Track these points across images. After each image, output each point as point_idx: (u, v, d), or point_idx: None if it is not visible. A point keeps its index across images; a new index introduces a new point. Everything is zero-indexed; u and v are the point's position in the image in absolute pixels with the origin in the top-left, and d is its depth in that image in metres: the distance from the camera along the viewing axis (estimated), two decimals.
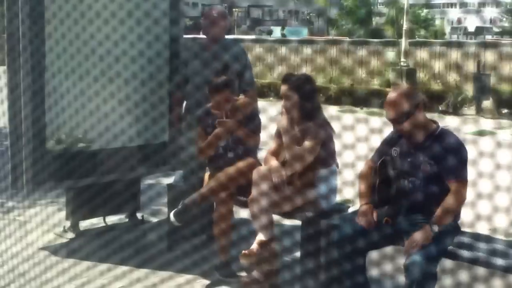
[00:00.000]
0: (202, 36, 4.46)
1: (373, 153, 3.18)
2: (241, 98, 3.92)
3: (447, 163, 2.81)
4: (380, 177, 3.00)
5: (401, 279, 3.28)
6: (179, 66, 4.31)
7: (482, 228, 3.90)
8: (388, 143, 3.08)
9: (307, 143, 3.38)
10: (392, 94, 2.95)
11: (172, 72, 4.31)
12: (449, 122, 9.50)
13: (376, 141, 3.25)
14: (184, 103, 4.39)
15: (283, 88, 3.45)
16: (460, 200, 2.84)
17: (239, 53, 4.33)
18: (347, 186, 4.23)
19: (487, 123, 10.08)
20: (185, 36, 4.69)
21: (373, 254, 3.27)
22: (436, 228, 2.75)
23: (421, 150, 2.90)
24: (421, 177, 2.89)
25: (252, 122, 3.77)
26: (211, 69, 3.97)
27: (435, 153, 2.85)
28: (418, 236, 2.75)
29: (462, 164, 2.84)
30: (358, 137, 3.81)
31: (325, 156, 3.42)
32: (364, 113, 10.98)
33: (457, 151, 2.84)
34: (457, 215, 2.94)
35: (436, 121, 3.01)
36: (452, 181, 2.82)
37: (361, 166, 3.25)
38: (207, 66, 3.99)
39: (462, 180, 2.83)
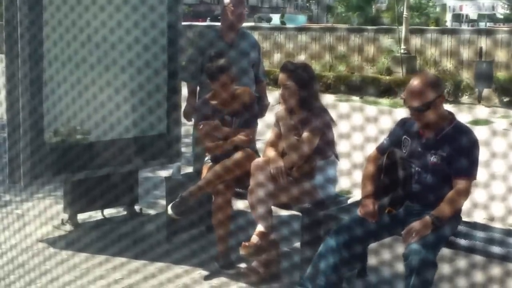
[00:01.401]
0: (200, 23, 4.44)
1: (381, 141, 3.12)
2: (241, 88, 3.89)
3: (458, 159, 2.77)
4: (386, 167, 2.94)
5: (401, 268, 3.30)
6: (192, 57, 4.29)
7: (479, 217, 3.91)
8: (399, 131, 3.04)
9: (305, 135, 3.36)
10: (416, 81, 2.83)
11: (170, 63, 4.29)
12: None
13: (373, 131, 3.22)
14: (197, 95, 4.36)
15: (281, 76, 3.42)
16: (465, 198, 2.81)
17: (253, 45, 4.33)
18: (345, 176, 4.22)
19: (487, 112, 10.03)
20: (183, 23, 4.66)
21: (374, 244, 3.26)
22: (436, 221, 2.72)
23: (434, 142, 2.86)
24: (430, 169, 2.86)
25: (251, 114, 3.75)
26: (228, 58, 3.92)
27: (447, 147, 2.81)
28: (417, 225, 2.71)
29: (472, 162, 2.80)
30: (354, 126, 3.80)
31: (324, 147, 3.40)
32: (363, 102, 10.95)
33: (470, 148, 2.79)
34: (459, 209, 2.91)
35: (452, 113, 2.94)
36: (459, 178, 2.78)
37: (357, 156, 3.22)
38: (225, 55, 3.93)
39: (470, 178, 2.80)
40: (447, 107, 3.00)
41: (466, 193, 2.79)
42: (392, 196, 2.91)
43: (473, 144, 2.81)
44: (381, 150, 3.08)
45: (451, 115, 2.91)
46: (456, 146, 2.78)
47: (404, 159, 2.92)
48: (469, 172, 2.79)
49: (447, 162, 2.81)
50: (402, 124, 3.04)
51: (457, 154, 2.77)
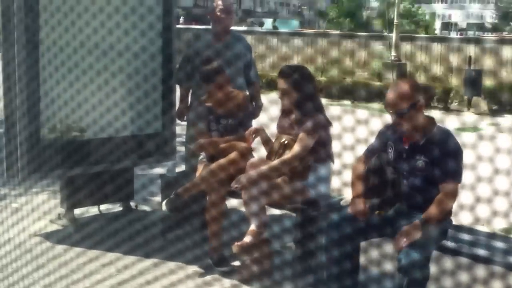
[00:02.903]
0: (194, 26, 4.49)
1: (367, 147, 3.18)
2: (235, 90, 3.95)
3: (441, 164, 2.80)
4: (374, 170, 3.01)
5: (389, 267, 3.37)
6: (185, 59, 4.35)
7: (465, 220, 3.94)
8: (383, 136, 3.09)
9: (300, 135, 3.41)
10: (394, 87, 2.91)
11: (165, 62, 4.33)
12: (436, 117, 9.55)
13: (364, 133, 3.28)
14: (190, 97, 4.41)
15: (279, 80, 3.48)
16: (452, 201, 2.84)
17: (245, 47, 4.38)
18: (339, 178, 4.28)
19: (477, 120, 10.14)
20: (178, 26, 4.71)
21: (366, 245, 3.32)
22: (425, 224, 2.75)
23: (417, 147, 2.90)
24: (414, 174, 2.90)
25: (245, 116, 3.82)
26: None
27: (430, 152, 2.85)
28: (407, 230, 2.75)
29: (456, 166, 2.82)
30: (347, 129, 3.86)
31: (318, 148, 3.44)
32: (353, 107, 11.02)
33: (452, 152, 2.82)
34: (448, 212, 2.94)
35: (433, 117, 2.99)
36: (445, 182, 2.81)
37: (350, 158, 3.28)
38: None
39: (455, 182, 2.82)
40: (437, 113, 3.07)
41: (452, 196, 2.83)
42: (381, 198, 2.97)
43: (456, 148, 2.83)
44: (368, 154, 3.14)
45: (432, 120, 2.95)
46: (439, 151, 2.81)
47: (391, 164, 2.98)
48: (454, 176, 2.81)
49: (431, 167, 2.84)
50: (387, 129, 3.09)
51: (441, 159, 2.80)
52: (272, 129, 3.71)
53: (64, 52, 3.91)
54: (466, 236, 3.04)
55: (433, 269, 3.27)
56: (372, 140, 3.21)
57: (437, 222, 2.82)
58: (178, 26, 16.73)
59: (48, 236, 4.05)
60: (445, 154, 2.80)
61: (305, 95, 3.43)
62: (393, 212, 2.99)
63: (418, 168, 2.88)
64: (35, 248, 3.84)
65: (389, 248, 3.30)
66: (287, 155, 3.42)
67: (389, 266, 3.41)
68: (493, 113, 10.66)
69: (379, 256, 3.44)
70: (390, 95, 2.88)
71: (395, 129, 2.98)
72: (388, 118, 3.02)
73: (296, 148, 3.40)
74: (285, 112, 3.55)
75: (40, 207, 4.51)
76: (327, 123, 3.48)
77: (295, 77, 3.43)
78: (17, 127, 3.74)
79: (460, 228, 3.18)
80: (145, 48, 4.26)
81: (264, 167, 3.42)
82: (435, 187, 2.84)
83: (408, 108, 2.82)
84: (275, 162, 3.42)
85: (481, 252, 2.86)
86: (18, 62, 3.67)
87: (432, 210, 2.79)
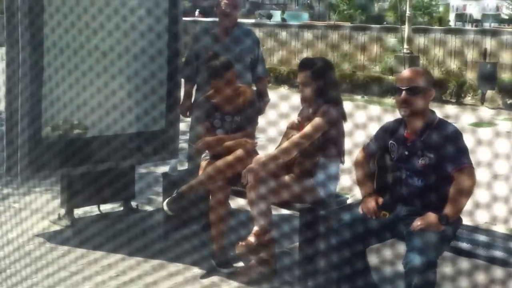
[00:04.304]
0: (201, 18, 4.41)
1: (368, 141, 3.11)
2: (241, 86, 3.85)
3: (448, 154, 2.75)
4: (378, 169, 2.97)
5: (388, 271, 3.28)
6: (191, 54, 4.28)
7: (481, 218, 3.86)
8: (385, 136, 3.02)
9: (314, 120, 3.30)
10: (409, 68, 2.94)
11: (170, 60, 4.27)
12: (450, 111, 9.42)
13: (375, 129, 3.18)
14: (194, 94, 4.33)
15: (298, 72, 3.39)
16: (472, 184, 2.74)
17: (253, 41, 4.31)
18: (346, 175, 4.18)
19: (490, 113, 9.96)
20: (184, 18, 4.64)
21: (374, 245, 3.22)
22: (444, 220, 2.68)
23: (420, 142, 2.84)
24: (419, 172, 2.83)
25: (251, 113, 3.72)
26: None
27: (433, 146, 2.79)
28: (425, 219, 2.70)
29: (463, 151, 2.77)
30: (357, 125, 3.75)
31: (328, 144, 3.34)
32: (364, 102, 10.89)
33: (456, 140, 2.78)
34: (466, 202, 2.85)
35: (434, 111, 2.95)
36: (456, 171, 2.73)
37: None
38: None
39: (467, 167, 2.74)
40: (450, 107, 2.99)
41: (472, 176, 2.74)
42: (384, 200, 2.93)
43: (457, 135, 2.80)
44: (368, 152, 3.08)
45: (433, 114, 2.91)
46: (442, 144, 2.77)
47: (393, 164, 2.92)
48: (462, 161, 2.74)
49: (436, 162, 2.78)
50: (387, 128, 3.03)
51: (445, 151, 2.75)
52: (282, 126, 3.63)
53: (67, 53, 3.87)
54: (481, 237, 2.95)
55: (447, 269, 3.19)
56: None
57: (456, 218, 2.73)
58: (194, 18, 17.08)
59: (47, 237, 4.01)
60: (449, 145, 2.75)
61: (324, 88, 3.33)
62: (395, 214, 2.90)
63: (422, 165, 2.82)
64: (35, 249, 3.79)
65: (395, 250, 3.21)
66: (296, 135, 3.33)
67: (396, 269, 3.31)
68: (509, 107, 10.43)
69: (385, 258, 3.35)
70: (406, 71, 2.95)
71: (397, 128, 2.94)
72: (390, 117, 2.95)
73: (307, 128, 3.30)
74: (305, 105, 3.44)
75: (40, 207, 4.48)
76: (342, 118, 3.37)
77: (313, 67, 3.34)
78: (18, 126, 3.69)
79: (472, 229, 3.09)
80: (150, 46, 4.20)
81: (273, 151, 3.38)
82: (440, 184, 2.77)
83: (420, 87, 2.80)
84: (285, 144, 3.35)
85: (498, 253, 2.77)
86: (20, 60, 3.62)
87: (452, 202, 2.70)
